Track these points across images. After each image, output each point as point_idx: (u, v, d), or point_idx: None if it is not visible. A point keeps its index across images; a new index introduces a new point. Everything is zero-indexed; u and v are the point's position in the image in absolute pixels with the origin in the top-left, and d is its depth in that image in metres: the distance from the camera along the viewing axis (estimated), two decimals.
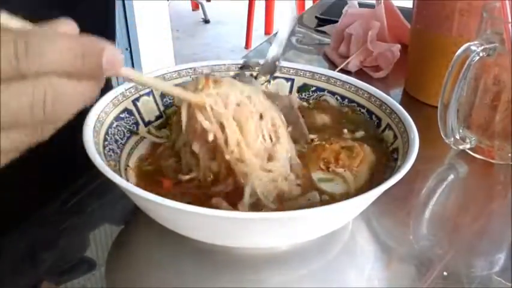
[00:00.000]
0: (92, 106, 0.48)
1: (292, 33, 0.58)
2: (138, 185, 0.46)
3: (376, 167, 0.50)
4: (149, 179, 0.48)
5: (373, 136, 0.54)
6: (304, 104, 0.59)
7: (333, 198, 0.47)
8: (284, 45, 0.57)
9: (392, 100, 0.53)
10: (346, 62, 0.82)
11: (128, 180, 0.45)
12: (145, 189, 0.39)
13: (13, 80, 0.29)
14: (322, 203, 0.46)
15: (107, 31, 0.67)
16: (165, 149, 0.51)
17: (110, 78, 0.81)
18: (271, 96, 0.50)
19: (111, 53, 0.31)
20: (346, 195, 0.48)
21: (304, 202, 0.46)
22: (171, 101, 0.57)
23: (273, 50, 0.58)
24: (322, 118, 0.57)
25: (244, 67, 0.58)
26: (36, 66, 0.28)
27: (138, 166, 0.50)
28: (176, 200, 0.37)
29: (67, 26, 0.32)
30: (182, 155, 0.48)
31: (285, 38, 0.58)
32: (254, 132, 0.44)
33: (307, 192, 0.47)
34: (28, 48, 0.28)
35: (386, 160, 0.50)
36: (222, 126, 0.43)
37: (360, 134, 0.55)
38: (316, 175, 0.50)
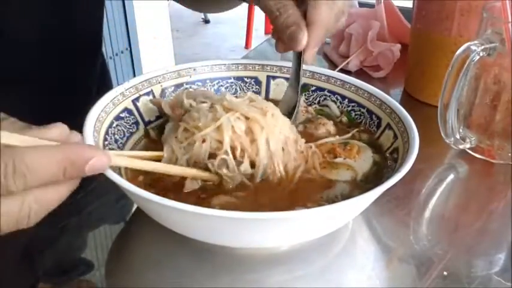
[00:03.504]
0: (92, 106, 0.48)
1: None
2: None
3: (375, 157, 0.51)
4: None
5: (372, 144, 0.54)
6: (311, 109, 0.59)
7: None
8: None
9: (392, 100, 0.53)
10: (346, 62, 0.82)
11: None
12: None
13: (2, 196, 0.31)
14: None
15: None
16: None
17: (110, 78, 0.81)
18: None
19: (96, 160, 0.34)
20: (354, 182, 0.49)
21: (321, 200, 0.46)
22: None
23: None
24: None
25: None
26: (22, 184, 0.31)
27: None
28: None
29: (57, 130, 0.35)
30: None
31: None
32: None
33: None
34: (16, 168, 0.31)
35: (384, 160, 0.51)
36: None
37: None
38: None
